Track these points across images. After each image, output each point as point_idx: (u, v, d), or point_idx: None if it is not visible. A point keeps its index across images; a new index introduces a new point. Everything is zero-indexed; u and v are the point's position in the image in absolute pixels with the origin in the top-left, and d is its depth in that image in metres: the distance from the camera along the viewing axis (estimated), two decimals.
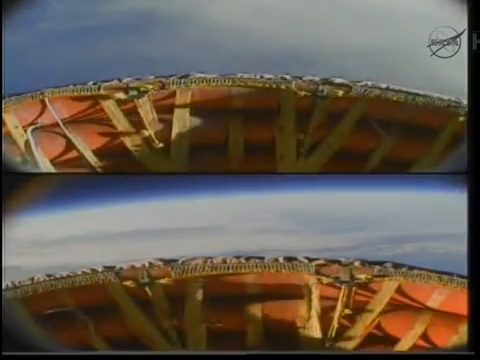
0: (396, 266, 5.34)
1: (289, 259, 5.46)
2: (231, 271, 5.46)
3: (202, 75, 6.01)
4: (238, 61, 6.40)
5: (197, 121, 6.08)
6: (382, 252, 8.70)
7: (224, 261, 5.49)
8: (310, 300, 5.45)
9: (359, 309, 5.42)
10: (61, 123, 5.95)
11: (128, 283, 5.46)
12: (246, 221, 8.95)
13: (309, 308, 5.46)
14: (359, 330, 5.40)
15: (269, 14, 7.11)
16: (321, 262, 5.43)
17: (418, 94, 5.78)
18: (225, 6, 7.29)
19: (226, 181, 6.93)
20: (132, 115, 6.03)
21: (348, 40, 6.64)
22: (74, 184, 5.97)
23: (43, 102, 5.89)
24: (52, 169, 5.88)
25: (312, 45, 6.29)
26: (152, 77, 6.01)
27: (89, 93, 5.92)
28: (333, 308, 5.43)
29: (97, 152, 6.02)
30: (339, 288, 5.39)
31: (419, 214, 7.80)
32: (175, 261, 5.53)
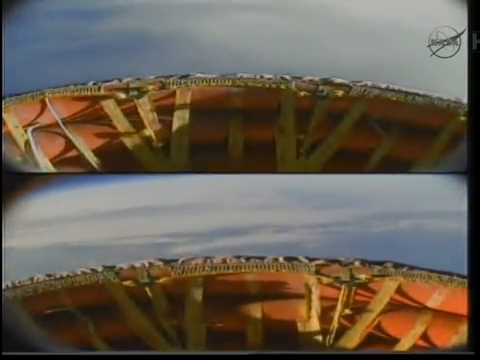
0: (396, 266, 5.34)
1: (289, 259, 5.46)
2: (231, 271, 5.46)
3: (202, 75, 6.01)
4: None
5: (197, 121, 6.08)
6: (375, 228, 8.71)
7: (224, 261, 5.49)
8: (310, 300, 5.45)
9: (359, 309, 5.42)
10: (61, 123, 5.95)
11: (128, 283, 5.46)
12: (239, 198, 8.97)
13: (309, 308, 5.46)
14: (359, 330, 5.40)
15: (261, 33, 7.15)
16: (321, 262, 5.43)
17: (418, 94, 5.78)
18: (217, 26, 7.32)
19: None
20: (132, 115, 6.03)
21: (342, 58, 6.66)
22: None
23: (43, 102, 5.89)
24: (52, 169, 5.88)
25: (306, 65, 6.30)
26: (152, 77, 6.01)
27: (89, 93, 5.92)
28: (333, 308, 5.43)
29: (97, 152, 6.02)
30: (339, 288, 5.39)
31: (414, 191, 7.80)
32: (175, 261, 5.53)
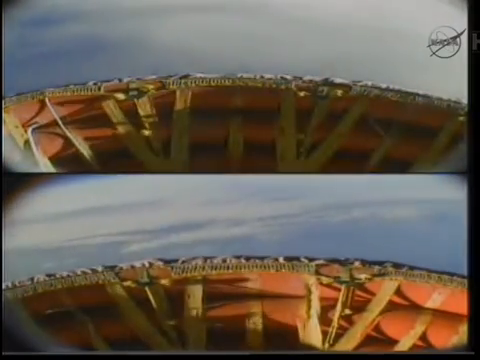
0: (396, 266, 5.34)
1: (289, 259, 5.46)
2: (231, 271, 5.46)
3: (202, 75, 6.01)
4: None
5: (197, 121, 6.08)
6: (329, 218, 8.71)
7: (224, 261, 5.49)
8: (310, 300, 5.45)
9: (359, 309, 5.42)
10: (61, 123, 5.95)
11: (128, 283, 5.46)
12: (191, 193, 8.98)
13: (309, 308, 5.46)
14: (359, 330, 5.40)
15: (219, 34, 7.18)
16: (321, 262, 5.43)
17: (418, 94, 5.78)
18: (173, 28, 7.34)
19: None
20: (132, 115, 6.03)
21: (300, 56, 6.69)
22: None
23: (43, 102, 5.89)
24: (52, 169, 5.88)
25: (265, 64, 6.32)
26: (152, 77, 6.02)
27: (89, 93, 5.93)
28: (333, 308, 5.43)
29: (97, 152, 6.02)
30: (339, 288, 5.39)
31: (368, 180, 7.80)
32: (175, 261, 5.53)
